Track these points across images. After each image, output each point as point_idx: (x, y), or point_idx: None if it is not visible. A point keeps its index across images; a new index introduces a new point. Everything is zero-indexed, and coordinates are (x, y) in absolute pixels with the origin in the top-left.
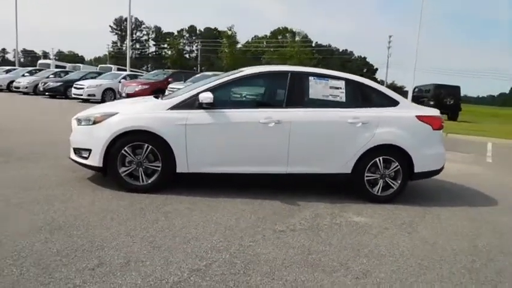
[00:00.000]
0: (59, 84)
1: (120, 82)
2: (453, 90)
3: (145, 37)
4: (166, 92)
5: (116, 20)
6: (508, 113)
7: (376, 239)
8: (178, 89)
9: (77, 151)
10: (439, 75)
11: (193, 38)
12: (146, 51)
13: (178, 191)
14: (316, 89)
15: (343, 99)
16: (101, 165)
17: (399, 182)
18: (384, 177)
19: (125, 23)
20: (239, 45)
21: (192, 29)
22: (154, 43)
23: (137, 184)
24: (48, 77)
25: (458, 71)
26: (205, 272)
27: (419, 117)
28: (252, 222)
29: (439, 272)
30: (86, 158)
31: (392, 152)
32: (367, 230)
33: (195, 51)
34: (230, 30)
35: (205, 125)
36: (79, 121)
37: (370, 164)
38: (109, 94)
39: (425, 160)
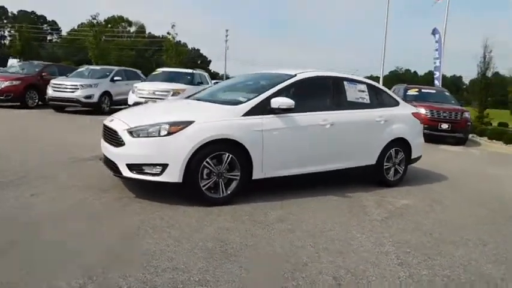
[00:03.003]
0: None
1: None
2: None
3: None
4: (50, 90)
5: None
6: None
7: (438, 215)
8: (66, 85)
9: (137, 167)
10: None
11: (5, 21)
12: None
13: (246, 199)
14: (351, 92)
15: (368, 101)
16: (181, 180)
17: (403, 167)
18: (395, 165)
19: None
20: (64, 33)
21: (2, 11)
22: None
23: (218, 196)
24: None
25: (274, 65)
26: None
27: (413, 114)
28: (348, 215)
29: (507, 227)
30: (158, 174)
31: (401, 143)
32: (422, 209)
33: (8, 38)
34: (95, 19)
35: (279, 130)
36: (133, 133)
37: (387, 154)
38: None
39: (417, 148)
